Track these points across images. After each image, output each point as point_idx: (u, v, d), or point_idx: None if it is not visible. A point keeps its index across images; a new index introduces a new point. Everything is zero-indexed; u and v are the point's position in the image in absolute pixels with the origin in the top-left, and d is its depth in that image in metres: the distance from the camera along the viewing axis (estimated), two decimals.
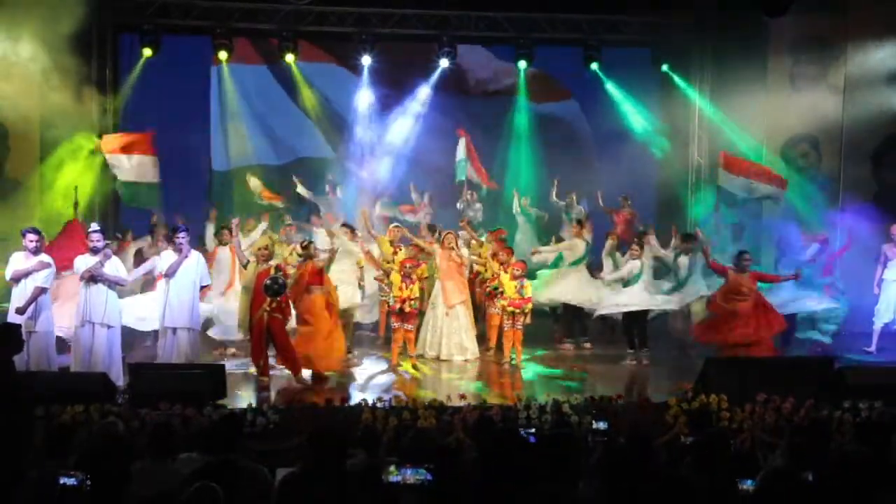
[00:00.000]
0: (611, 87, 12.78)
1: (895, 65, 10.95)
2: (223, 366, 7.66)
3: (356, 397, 7.53)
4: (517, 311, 9.09)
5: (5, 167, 10.54)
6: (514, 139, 13.41)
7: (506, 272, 9.22)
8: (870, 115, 11.01)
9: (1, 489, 3.92)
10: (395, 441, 5.74)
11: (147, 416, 6.43)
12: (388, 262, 9.72)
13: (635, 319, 9.54)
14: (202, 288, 8.52)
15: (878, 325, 9.76)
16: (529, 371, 9.05)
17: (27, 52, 9.46)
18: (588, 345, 10.32)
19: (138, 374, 7.22)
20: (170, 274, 8.17)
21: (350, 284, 9.63)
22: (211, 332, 9.39)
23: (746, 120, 11.52)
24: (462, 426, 6.28)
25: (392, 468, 4.38)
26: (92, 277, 7.66)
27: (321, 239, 10.04)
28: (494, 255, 9.64)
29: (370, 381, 8.52)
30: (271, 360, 8.31)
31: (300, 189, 12.12)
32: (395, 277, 9.08)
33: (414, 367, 9.03)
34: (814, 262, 9.97)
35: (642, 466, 4.00)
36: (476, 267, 10.03)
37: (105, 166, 10.62)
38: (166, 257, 8.39)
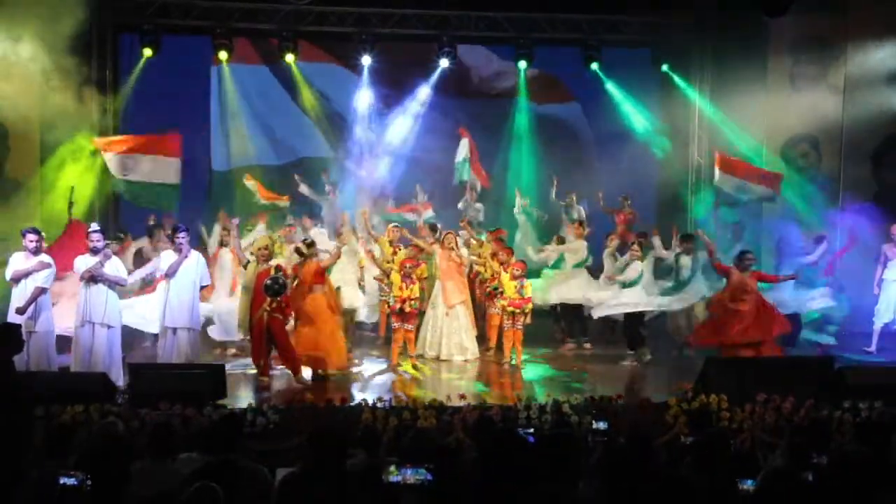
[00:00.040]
0: (611, 87, 12.77)
1: (895, 65, 10.95)
2: (223, 366, 7.67)
3: (356, 397, 7.55)
4: (517, 311, 9.10)
5: (5, 167, 10.54)
6: (514, 139, 13.40)
7: (506, 272, 9.22)
8: (870, 115, 11.01)
9: (1, 489, 3.92)
10: (395, 441, 5.74)
11: (147, 416, 6.43)
12: (388, 263, 9.73)
13: (635, 320, 9.55)
14: (202, 288, 8.52)
15: (878, 325, 9.77)
16: (529, 371, 9.06)
17: (27, 52, 9.46)
18: (588, 345, 10.32)
19: (138, 374, 7.23)
20: (170, 274, 8.17)
21: (353, 286, 9.64)
22: (212, 333, 9.38)
23: (746, 120, 11.51)
24: (462, 426, 6.28)
25: (392, 468, 4.39)
26: (92, 277, 7.66)
27: (317, 239, 10.01)
28: (494, 255, 9.64)
29: (370, 381, 8.53)
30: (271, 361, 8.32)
31: (303, 188, 12.12)
32: (396, 277, 9.08)
33: (414, 367, 9.03)
34: (816, 264, 9.97)
35: (642, 466, 4.00)
36: (476, 267, 10.03)
37: (104, 167, 10.63)
38: (166, 257, 8.39)
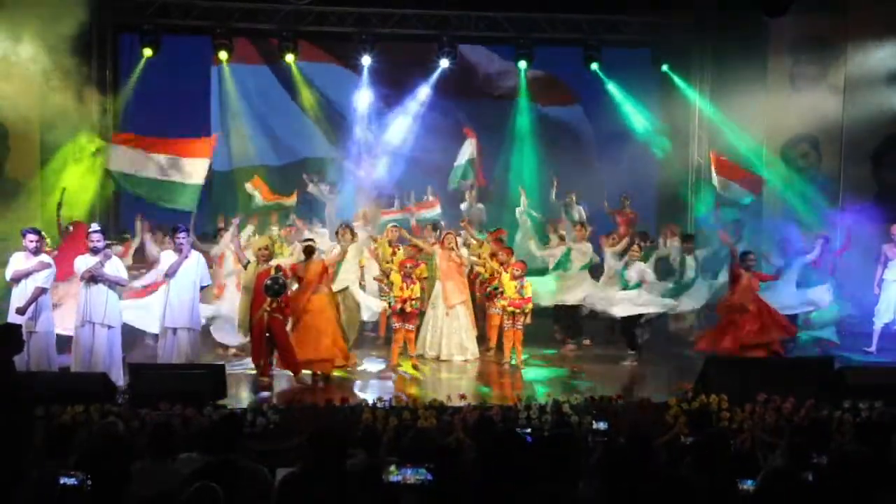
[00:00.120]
0: (612, 87, 12.78)
1: (895, 65, 10.94)
2: (223, 366, 7.67)
3: (356, 397, 7.55)
4: (517, 311, 9.10)
5: (5, 168, 10.54)
6: (516, 140, 13.40)
7: (506, 272, 9.22)
8: (870, 115, 11.00)
9: (1, 489, 3.92)
10: (395, 441, 5.74)
11: (147, 416, 6.43)
12: (387, 263, 9.73)
13: (634, 320, 9.56)
14: (202, 288, 8.52)
15: (878, 325, 9.76)
16: (529, 371, 9.06)
17: (27, 52, 9.44)
18: (587, 341, 10.35)
19: (138, 374, 7.23)
20: (170, 274, 8.17)
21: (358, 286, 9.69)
22: (220, 336, 9.38)
23: (746, 120, 11.51)
24: (462, 426, 6.28)
25: (392, 468, 4.39)
26: (92, 277, 7.66)
27: (318, 239, 10.00)
28: (494, 255, 9.63)
29: (370, 381, 8.52)
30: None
31: (311, 188, 12.11)
32: (396, 278, 9.08)
33: (414, 367, 9.04)
34: (817, 264, 9.98)
35: (642, 466, 4.00)
36: (476, 268, 10.03)
37: (106, 168, 10.64)
38: (166, 257, 8.39)
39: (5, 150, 10.50)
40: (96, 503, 3.94)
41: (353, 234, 9.64)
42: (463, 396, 7.06)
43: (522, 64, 12.57)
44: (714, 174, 10.89)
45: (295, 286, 8.44)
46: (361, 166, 12.66)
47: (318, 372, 8.33)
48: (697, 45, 12.52)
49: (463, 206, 12.28)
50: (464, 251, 9.84)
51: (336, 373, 8.48)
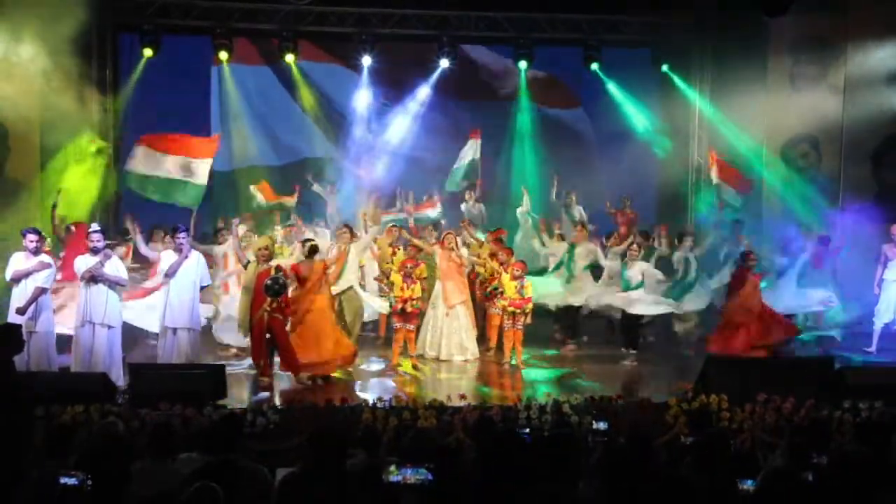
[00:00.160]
0: (612, 87, 12.77)
1: (895, 65, 10.94)
2: (223, 366, 7.68)
3: (356, 397, 7.55)
4: (518, 311, 9.09)
5: (5, 168, 10.53)
6: (516, 139, 13.39)
7: (506, 272, 9.21)
8: (870, 115, 11.01)
9: (1, 489, 3.92)
10: (395, 441, 5.74)
11: (147, 417, 6.43)
12: (387, 263, 9.73)
13: (637, 320, 9.56)
14: (202, 288, 8.52)
15: (878, 325, 9.76)
16: (529, 371, 9.05)
17: (27, 52, 9.45)
18: (585, 338, 10.38)
19: (138, 374, 7.23)
20: (170, 274, 8.17)
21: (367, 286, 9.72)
22: (226, 337, 9.39)
23: (746, 120, 11.51)
24: (462, 426, 6.28)
25: (392, 468, 4.38)
26: (92, 277, 7.66)
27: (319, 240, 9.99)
28: (493, 256, 9.63)
29: (370, 381, 8.52)
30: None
31: (316, 188, 12.11)
32: (396, 278, 9.08)
33: (414, 367, 9.04)
34: (818, 265, 9.99)
35: (642, 466, 4.00)
36: (477, 268, 10.03)
37: (107, 168, 10.66)
38: (166, 257, 8.39)
39: (5, 151, 10.49)
40: (96, 503, 3.94)
41: (353, 234, 9.67)
42: (463, 396, 7.06)
43: (522, 64, 12.57)
44: (713, 174, 10.90)
45: (295, 286, 8.45)
46: (362, 166, 12.66)
47: (327, 374, 8.35)
48: (697, 45, 12.52)
49: (463, 207, 12.27)
50: (464, 251, 9.84)
51: (336, 373, 8.48)
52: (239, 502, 3.77)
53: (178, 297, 8.17)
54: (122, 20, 11.81)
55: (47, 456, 4.57)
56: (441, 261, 9.52)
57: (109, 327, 7.76)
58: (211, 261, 9.22)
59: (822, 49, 11.42)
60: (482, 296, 9.94)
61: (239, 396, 7.67)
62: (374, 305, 9.74)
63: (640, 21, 12.33)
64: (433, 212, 11.74)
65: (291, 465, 4.46)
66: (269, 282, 8.00)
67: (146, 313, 8.75)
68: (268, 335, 8.11)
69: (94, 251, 7.73)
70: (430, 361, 9.33)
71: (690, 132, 12.72)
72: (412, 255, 9.45)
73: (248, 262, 8.41)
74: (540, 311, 9.73)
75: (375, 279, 9.98)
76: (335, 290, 9.20)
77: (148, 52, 11.62)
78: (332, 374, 8.43)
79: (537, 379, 8.71)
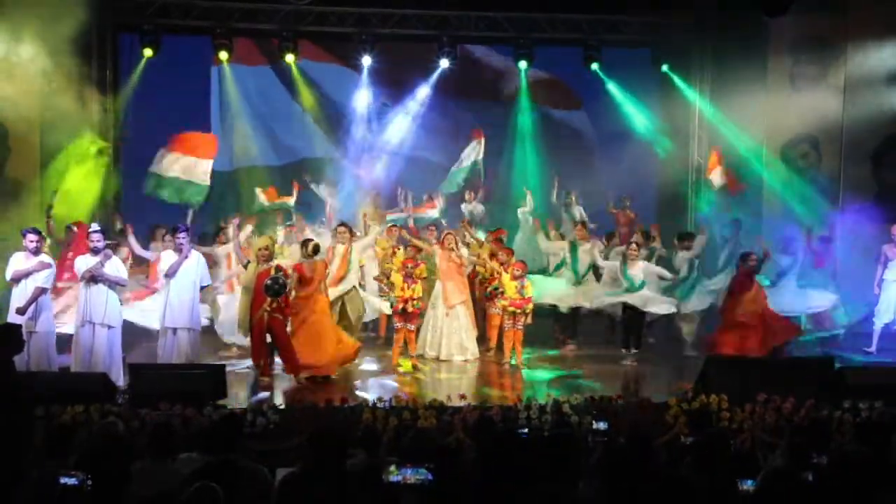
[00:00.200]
0: (612, 87, 12.77)
1: (895, 65, 10.94)
2: (223, 366, 7.67)
3: (356, 397, 7.55)
4: (518, 311, 9.09)
5: (6, 168, 10.53)
6: (518, 140, 13.37)
7: (506, 272, 9.21)
8: (870, 115, 10.99)
9: (1, 489, 3.92)
10: (395, 441, 5.74)
11: (147, 417, 6.43)
12: (388, 264, 9.73)
13: (635, 319, 9.57)
14: (202, 288, 8.53)
15: (878, 325, 9.76)
16: (529, 371, 9.05)
17: (28, 52, 9.45)
18: (580, 338, 10.37)
19: (138, 374, 7.23)
20: (170, 274, 8.17)
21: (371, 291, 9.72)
22: (232, 338, 9.40)
23: (746, 120, 11.50)
24: (462, 426, 6.28)
25: (392, 468, 4.38)
26: (92, 277, 7.66)
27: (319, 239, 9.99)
28: (493, 256, 9.63)
29: (370, 381, 8.52)
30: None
31: (313, 188, 12.11)
32: (397, 278, 9.08)
33: (414, 367, 9.03)
34: (820, 265, 10.00)
35: (642, 466, 4.00)
36: (477, 267, 10.03)
37: (108, 168, 10.67)
38: (166, 257, 8.39)
39: (6, 151, 10.48)
40: (96, 503, 3.94)
41: (352, 234, 9.68)
42: (463, 396, 7.06)
43: (522, 64, 12.57)
44: (715, 178, 10.87)
45: (297, 287, 8.44)
46: (362, 166, 12.65)
47: (328, 374, 8.36)
48: (697, 45, 12.52)
49: (464, 207, 12.26)
50: (464, 251, 9.85)
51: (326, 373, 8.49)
52: (239, 502, 3.77)
53: (178, 297, 8.17)
54: (122, 20, 11.81)
55: (47, 456, 4.57)
56: (441, 261, 9.52)
57: (109, 327, 7.76)
58: (211, 261, 9.21)
59: (822, 49, 11.41)
60: (482, 296, 9.94)
61: (239, 396, 7.67)
62: (376, 305, 9.76)
63: (640, 21, 12.33)
64: (433, 213, 11.74)
65: (291, 465, 4.46)
66: (269, 282, 8.00)
67: (147, 312, 8.77)
68: (268, 335, 8.12)
69: (95, 251, 7.73)
70: (430, 361, 9.33)
71: (690, 132, 12.72)
72: (412, 255, 9.45)
73: (248, 262, 8.42)
74: (540, 311, 9.72)
75: (375, 279, 9.98)
76: (340, 290, 9.23)
77: (148, 52, 11.62)
78: (332, 374, 8.43)
79: (537, 379, 8.71)
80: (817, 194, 11.19)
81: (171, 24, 11.75)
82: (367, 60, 12.26)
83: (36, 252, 7.63)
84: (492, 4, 12.08)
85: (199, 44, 12.27)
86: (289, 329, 8.32)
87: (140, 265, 9.66)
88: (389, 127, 13.06)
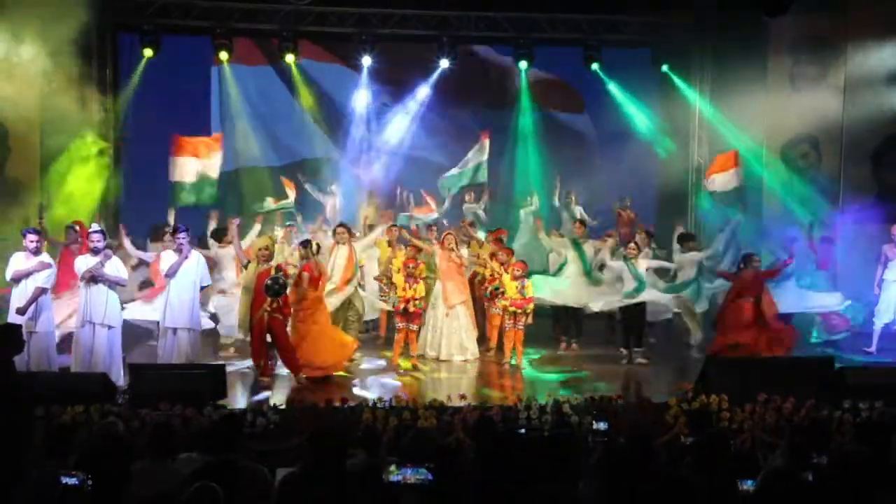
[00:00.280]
0: (612, 87, 12.77)
1: (895, 65, 10.94)
2: (223, 366, 7.68)
3: (356, 397, 7.55)
4: (519, 311, 9.08)
5: (5, 168, 10.54)
6: (519, 140, 13.36)
7: (506, 272, 9.21)
8: (870, 115, 10.99)
9: (1, 489, 3.92)
10: (395, 441, 5.74)
11: (147, 417, 6.44)
12: (388, 264, 9.74)
13: (635, 319, 9.57)
14: (202, 288, 8.53)
15: (878, 325, 9.76)
16: (529, 371, 9.05)
17: (28, 53, 9.46)
18: (579, 338, 10.38)
19: (138, 374, 7.23)
20: (170, 274, 8.18)
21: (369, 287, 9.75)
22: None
23: (746, 120, 11.50)
24: (462, 426, 6.29)
25: (392, 468, 4.39)
26: (92, 278, 7.66)
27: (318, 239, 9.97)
28: (493, 256, 9.63)
29: (370, 381, 8.52)
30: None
31: (309, 188, 12.11)
32: (398, 279, 9.07)
33: (414, 367, 9.03)
34: (824, 265, 10.00)
35: (642, 466, 4.00)
36: (476, 267, 10.02)
37: (108, 168, 10.67)
38: (166, 257, 8.40)
39: (6, 151, 10.49)
40: (96, 503, 3.94)
41: (351, 234, 9.69)
42: (463, 396, 7.06)
43: (523, 64, 12.57)
44: (726, 176, 10.80)
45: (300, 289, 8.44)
46: (362, 166, 12.65)
47: (329, 374, 8.38)
48: (697, 45, 12.52)
49: (465, 207, 12.25)
50: (464, 251, 9.85)
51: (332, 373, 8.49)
52: (239, 502, 3.77)
53: (178, 297, 8.16)
54: (122, 20, 11.81)
55: (47, 456, 4.57)
56: (441, 261, 9.51)
57: (109, 327, 7.76)
58: (211, 262, 9.20)
59: (822, 49, 11.40)
60: (481, 296, 9.94)
61: (239, 396, 7.67)
62: (375, 304, 9.80)
63: (640, 21, 12.33)
64: (432, 215, 11.74)
65: (291, 465, 4.46)
66: (269, 282, 8.01)
67: (150, 311, 8.79)
68: (268, 335, 8.13)
69: (95, 251, 7.73)
70: (430, 361, 9.33)
71: (690, 132, 12.72)
72: (412, 255, 9.45)
73: (248, 262, 8.42)
74: (540, 311, 9.72)
75: (376, 279, 9.99)
76: (347, 292, 9.26)
77: (148, 52, 11.63)
78: (332, 374, 8.44)
79: (537, 379, 8.71)
80: (817, 194, 11.19)
81: (171, 24, 11.75)
82: (367, 60, 12.26)
83: (36, 252, 7.64)
84: (492, 4, 12.08)
85: (199, 44, 12.27)
86: (289, 329, 8.33)
87: (136, 269, 9.67)
88: (389, 127, 13.08)
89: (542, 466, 4.04)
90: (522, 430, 6.27)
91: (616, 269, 9.63)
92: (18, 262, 7.62)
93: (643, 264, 9.51)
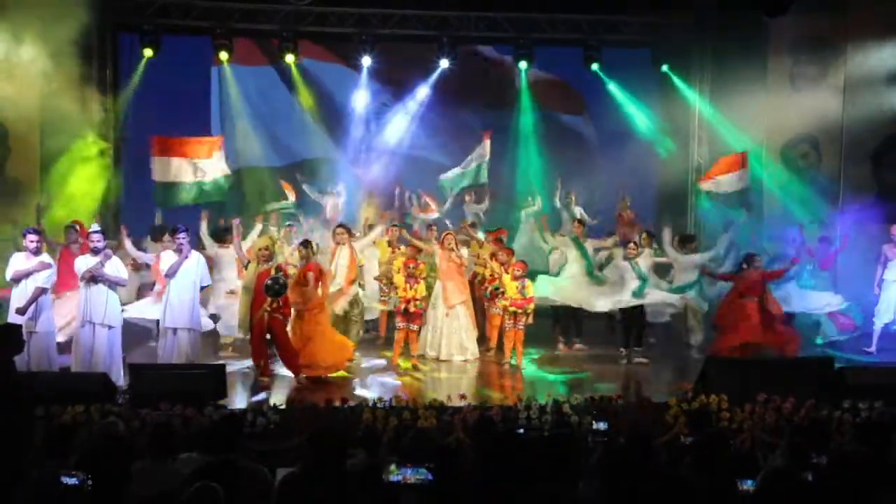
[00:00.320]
0: (613, 87, 12.77)
1: (895, 65, 10.94)
2: (223, 366, 7.68)
3: (356, 397, 7.55)
4: (519, 311, 9.08)
5: (6, 168, 10.55)
6: (521, 140, 13.36)
7: (506, 273, 9.21)
8: (870, 115, 10.99)
9: (1, 489, 3.92)
10: (395, 441, 5.74)
11: (147, 417, 6.44)
12: (388, 264, 9.74)
13: (635, 319, 9.57)
14: (202, 288, 8.53)
15: (878, 325, 9.76)
16: (529, 371, 9.05)
17: (28, 53, 9.47)
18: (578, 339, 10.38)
19: (139, 374, 7.23)
20: (170, 274, 8.18)
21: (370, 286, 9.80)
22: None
23: (746, 120, 11.50)
24: (462, 426, 6.29)
25: (392, 468, 4.39)
26: (93, 278, 7.66)
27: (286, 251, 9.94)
28: (493, 256, 9.64)
29: (370, 381, 8.52)
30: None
31: (308, 190, 12.11)
32: (399, 279, 9.07)
33: (414, 366, 9.03)
34: (825, 266, 10.00)
35: (642, 466, 4.00)
36: (476, 267, 10.02)
37: (108, 169, 10.67)
38: (166, 258, 8.40)
39: (6, 151, 10.50)
40: (96, 503, 3.94)
41: (350, 234, 9.69)
42: (463, 396, 7.06)
43: (523, 64, 12.58)
44: (735, 177, 10.76)
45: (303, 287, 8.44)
46: (362, 166, 12.64)
47: (328, 374, 8.38)
48: (697, 45, 12.52)
49: (466, 208, 12.25)
50: (464, 251, 9.85)
51: (334, 374, 8.49)
52: (239, 502, 3.77)
53: (178, 297, 8.17)
54: (122, 20, 11.82)
55: (47, 456, 4.57)
56: (441, 261, 9.51)
57: (110, 327, 7.76)
58: (211, 262, 9.20)
59: (822, 49, 11.40)
60: (481, 296, 9.94)
61: (239, 396, 7.67)
62: (372, 304, 9.81)
63: (640, 21, 12.33)
64: (432, 215, 11.74)
65: (291, 465, 4.46)
66: (269, 282, 8.01)
67: (147, 310, 8.80)
68: (268, 335, 8.13)
69: (95, 251, 7.74)
70: (430, 361, 9.33)
71: (690, 132, 12.72)
72: (412, 255, 9.45)
73: (248, 262, 8.43)
74: (540, 311, 9.72)
75: (376, 279, 9.99)
76: (352, 293, 9.27)
77: (148, 52, 11.64)
78: (332, 375, 8.45)
79: (537, 379, 8.71)
80: (817, 194, 11.19)
81: (171, 24, 11.76)
82: (367, 61, 12.27)
83: (36, 252, 7.64)
84: (492, 4, 12.09)
85: (199, 44, 12.28)
86: (289, 329, 8.33)
87: (137, 270, 9.68)
88: (389, 127, 13.08)
89: (542, 466, 4.04)
90: (522, 430, 6.26)
91: (621, 268, 9.64)
92: (18, 262, 7.63)
93: (644, 263, 9.51)
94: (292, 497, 3.84)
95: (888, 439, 4.55)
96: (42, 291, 7.58)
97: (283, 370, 8.41)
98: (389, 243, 10.16)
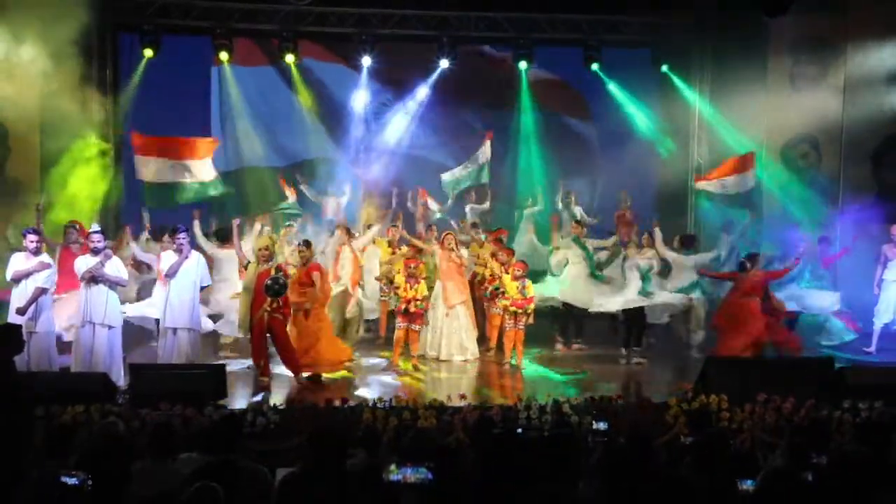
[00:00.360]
0: (613, 87, 12.77)
1: (895, 65, 10.94)
2: (223, 366, 7.68)
3: (356, 397, 7.55)
4: (520, 311, 9.08)
5: (6, 168, 10.55)
6: (522, 140, 13.36)
7: (507, 273, 9.21)
8: (870, 115, 11.00)
9: (1, 489, 3.92)
10: (395, 441, 5.74)
11: (147, 417, 6.44)
12: (388, 264, 9.75)
13: (637, 319, 9.57)
14: (202, 288, 8.53)
15: (878, 325, 9.77)
16: (529, 371, 9.06)
17: (28, 53, 9.46)
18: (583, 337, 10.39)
19: (139, 374, 7.23)
20: (170, 274, 8.18)
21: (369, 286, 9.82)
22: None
23: (746, 120, 11.50)
24: (462, 426, 6.29)
25: (392, 468, 4.39)
26: (93, 278, 7.67)
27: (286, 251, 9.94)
28: (494, 256, 9.64)
29: (370, 381, 8.52)
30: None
31: (306, 190, 12.11)
32: (399, 279, 9.07)
33: (414, 367, 9.03)
34: (826, 266, 10.00)
35: (642, 466, 4.00)
36: (476, 267, 10.02)
37: (108, 169, 10.66)
38: (166, 258, 8.40)
39: (6, 151, 10.51)
40: (97, 503, 3.95)
41: (350, 234, 9.69)
42: (463, 396, 7.07)
43: (523, 64, 12.58)
44: (744, 177, 10.75)
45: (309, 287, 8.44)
46: (363, 166, 12.64)
47: (328, 373, 8.39)
48: (697, 45, 12.52)
49: (467, 208, 12.25)
50: (464, 252, 9.85)
51: (331, 374, 8.48)
52: (239, 502, 3.77)
53: (178, 297, 8.17)
54: (122, 20, 11.81)
55: (47, 456, 4.57)
56: (441, 261, 9.52)
57: (110, 327, 7.76)
58: (211, 262, 9.20)
59: (822, 49, 11.41)
60: (481, 296, 9.94)
61: (239, 396, 7.67)
62: (370, 305, 9.82)
63: (640, 21, 12.33)
64: (434, 216, 11.74)
65: (291, 465, 4.47)
66: (269, 282, 8.01)
67: (144, 309, 8.81)
68: (268, 335, 8.14)
69: (95, 251, 7.74)
70: (430, 361, 9.33)
71: (690, 132, 12.72)
72: (412, 255, 9.45)
73: (249, 262, 8.43)
74: (540, 311, 9.72)
75: (376, 279, 9.99)
76: (358, 293, 9.28)
77: (148, 53, 11.63)
78: (332, 375, 8.45)
79: (537, 379, 8.71)
80: (817, 195, 11.19)
81: (171, 24, 11.75)
82: (367, 61, 12.26)
83: (36, 252, 7.64)
84: (492, 4, 12.09)
85: (199, 44, 12.27)
86: (289, 329, 8.33)
87: (140, 271, 9.68)
88: (389, 126, 13.07)
89: (542, 466, 4.04)
90: (522, 430, 6.26)
91: (628, 268, 9.66)
92: (18, 262, 7.63)
93: (647, 262, 9.52)
94: (292, 497, 3.84)
95: (888, 439, 4.56)
96: (42, 291, 7.58)
97: (283, 370, 8.40)
98: (390, 243, 10.17)
